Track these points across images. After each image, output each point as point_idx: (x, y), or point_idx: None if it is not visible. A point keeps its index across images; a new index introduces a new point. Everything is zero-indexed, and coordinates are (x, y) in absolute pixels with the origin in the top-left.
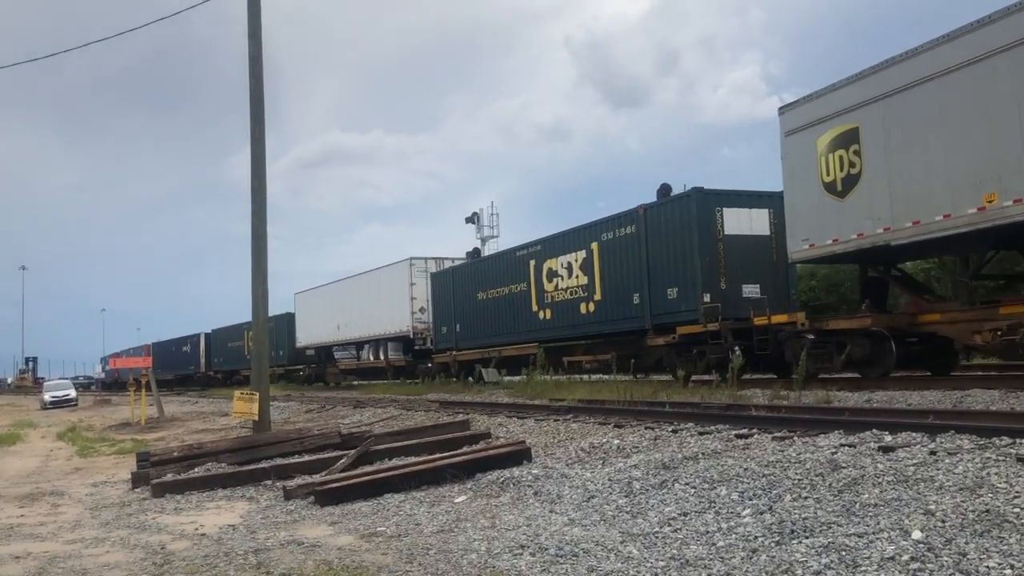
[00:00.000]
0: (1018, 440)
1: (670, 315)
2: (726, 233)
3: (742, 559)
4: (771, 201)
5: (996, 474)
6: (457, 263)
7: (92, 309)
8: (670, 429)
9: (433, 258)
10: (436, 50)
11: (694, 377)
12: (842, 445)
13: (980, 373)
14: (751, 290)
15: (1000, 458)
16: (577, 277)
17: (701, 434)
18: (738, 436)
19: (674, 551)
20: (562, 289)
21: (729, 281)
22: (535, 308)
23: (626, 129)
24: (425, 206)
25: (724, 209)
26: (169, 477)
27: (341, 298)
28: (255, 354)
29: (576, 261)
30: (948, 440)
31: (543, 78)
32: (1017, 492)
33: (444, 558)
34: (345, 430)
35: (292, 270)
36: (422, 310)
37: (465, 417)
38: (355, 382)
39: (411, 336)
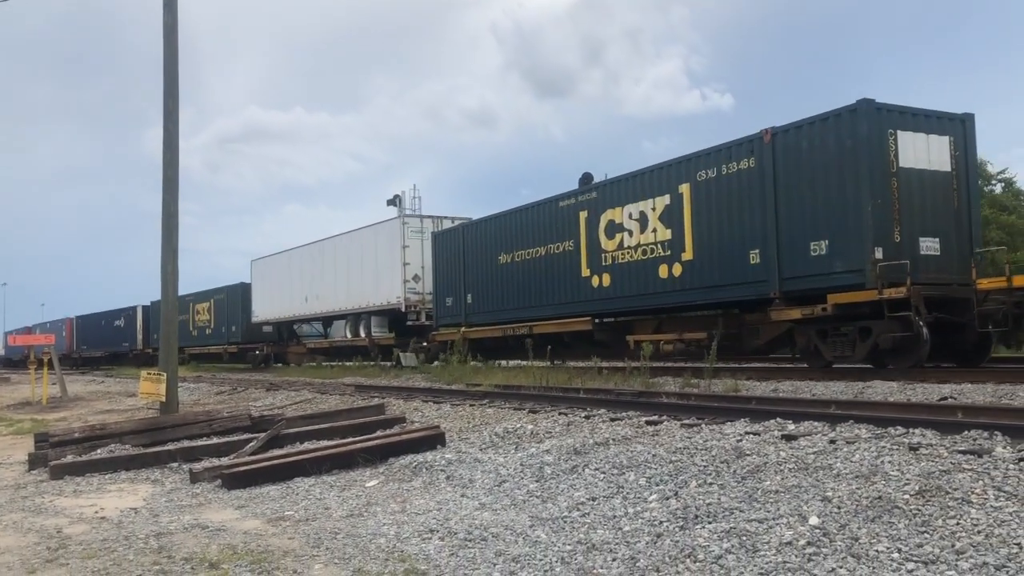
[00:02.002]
0: (911, 430)
1: (813, 278)
2: (901, 166)
3: (647, 543)
4: (953, 126)
5: (890, 462)
6: (468, 220)
7: None
8: (583, 415)
9: (431, 216)
10: (362, 28)
11: (847, 364)
12: (747, 433)
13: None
14: (929, 245)
15: (894, 447)
16: (655, 231)
17: (613, 420)
18: (648, 423)
19: (581, 535)
20: (630, 247)
21: (904, 232)
22: (586, 272)
23: (551, 118)
24: (347, 187)
25: (899, 132)
26: (69, 459)
27: (309, 265)
28: (163, 333)
29: (654, 210)
30: (847, 429)
31: (470, 63)
32: (907, 480)
33: (352, 542)
34: (256, 413)
35: (209, 248)
36: (416, 278)
37: (380, 401)
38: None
39: (402, 309)
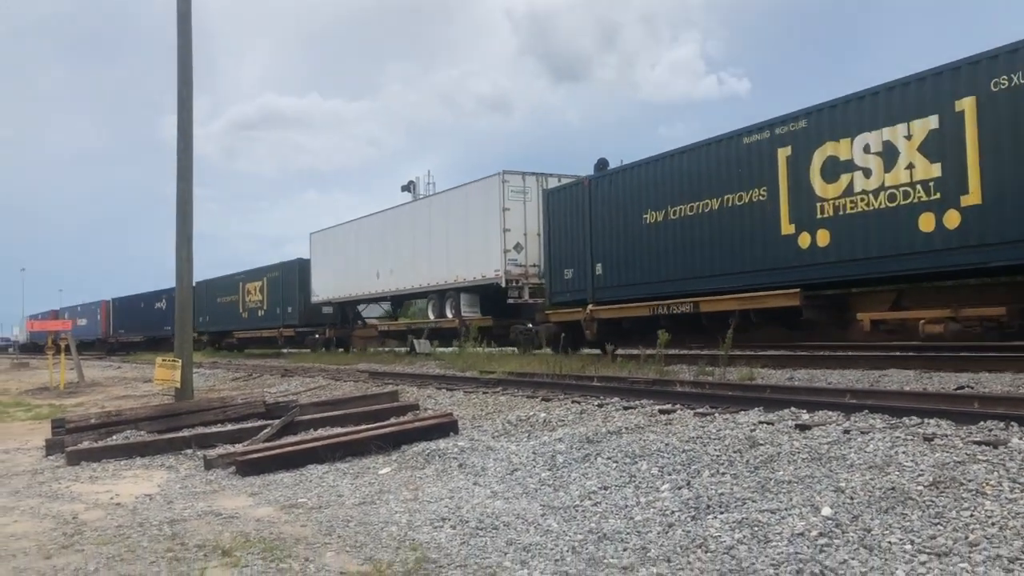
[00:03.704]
0: (926, 420)
1: None
2: None
3: (658, 533)
4: None
5: (904, 452)
6: (577, 177)
7: (11, 269)
8: (596, 403)
9: (534, 173)
10: (377, 13)
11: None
12: (761, 422)
13: (899, 354)
14: None
15: (909, 437)
16: (911, 167)
17: (626, 408)
18: (661, 411)
19: (593, 524)
20: (866, 192)
21: None
22: (788, 229)
23: (566, 103)
24: (362, 173)
25: None
26: (85, 444)
27: (381, 237)
28: (178, 319)
29: (908, 138)
30: (862, 419)
31: (485, 48)
32: (921, 471)
33: (364, 530)
34: (271, 399)
35: (226, 233)
36: (518, 247)
37: (394, 388)
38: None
39: (502, 285)
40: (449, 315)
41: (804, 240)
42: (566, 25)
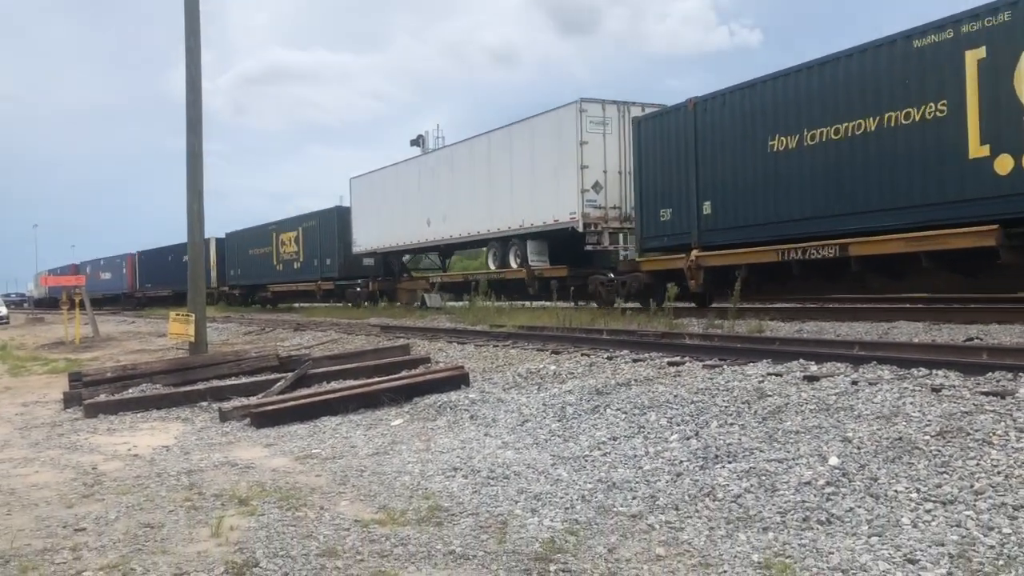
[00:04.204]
0: (934, 371)
1: None
2: None
3: (667, 482)
4: None
5: (911, 403)
6: (663, 106)
7: (24, 225)
8: (606, 356)
9: (615, 101)
10: None
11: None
12: (769, 374)
13: (908, 305)
14: None
15: (916, 388)
16: None
17: (635, 361)
18: (670, 363)
19: (602, 474)
20: None
21: None
22: (979, 151)
23: (574, 56)
24: (370, 127)
25: None
26: (102, 397)
27: (433, 179)
28: (191, 274)
29: None
30: (870, 371)
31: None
32: (928, 421)
33: (377, 480)
34: (284, 353)
35: (234, 188)
36: (596, 187)
37: (406, 341)
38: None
39: (579, 229)
40: (514, 265)
41: (1003, 165)
42: None
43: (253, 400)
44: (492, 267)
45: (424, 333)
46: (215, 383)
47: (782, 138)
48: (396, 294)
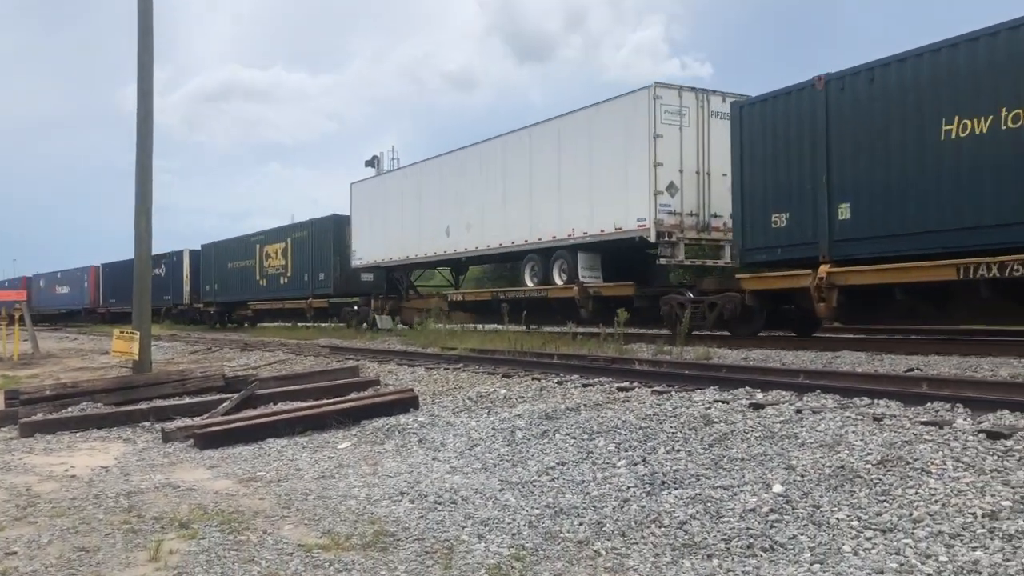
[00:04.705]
0: (876, 401)
1: None
2: None
3: (614, 508)
4: None
5: (853, 432)
6: (743, 97)
7: None
8: (556, 380)
9: (692, 88)
10: None
11: None
12: (716, 401)
13: (851, 336)
14: None
15: (859, 417)
16: None
17: (585, 386)
18: (620, 389)
19: (550, 499)
20: None
21: None
22: None
23: (531, 82)
24: (325, 147)
25: None
26: (39, 416)
27: (456, 183)
28: (136, 291)
29: None
30: (814, 399)
31: (451, 25)
32: (870, 450)
33: (322, 504)
34: (230, 373)
35: (185, 206)
36: (672, 189)
37: (355, 363)
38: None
39: (649, 238)
40: (559, 281)
41: None
42: (533, 5)
43: (197, 421)
44: (530, 283)
45: (374, 355)
46: (158, 403)
47: (965, 121)
48: (402, 313)
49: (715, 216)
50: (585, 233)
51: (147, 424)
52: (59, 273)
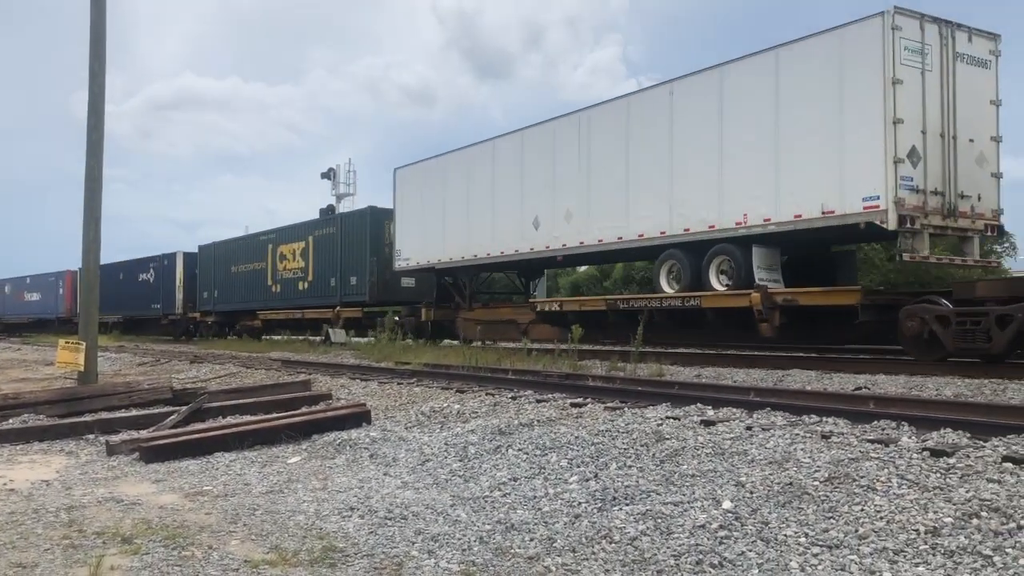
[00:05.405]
0: (824, 419)
1: None
2: None
3: (565, 524)
4: None
5: (802, 449)
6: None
7: None
8: (510, 396)
9: (935, 20)
10: None
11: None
12: (668, 417)
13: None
14: None
15: (807, 435)
16: None
17: (539, 402)
18: (573, 405)
19: (501, 515)
20: None
21: None
22: None
23: (490, 99)
24: (282, 159)
25: None
26: None
27: (550, 161)
28: (83, 301)
29: None
30: (764, 416)
31: (410, 40)
32: (818, 467)
33: (270, 519)
34: (178, 385)
35: (136, 215)
36: (914, 156)
37: (307, 377)
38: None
39: (886, 225)
40: (717, 285)
41: None
42: (492, 23)
43: (143, 434)
44: (667, 288)
45: (327, 369)
46: (104, 415)
47: None
48: (457, 324)
49: (962, 197)
50: (767, 220)
51: (91, 437)
52: (28, 278)
